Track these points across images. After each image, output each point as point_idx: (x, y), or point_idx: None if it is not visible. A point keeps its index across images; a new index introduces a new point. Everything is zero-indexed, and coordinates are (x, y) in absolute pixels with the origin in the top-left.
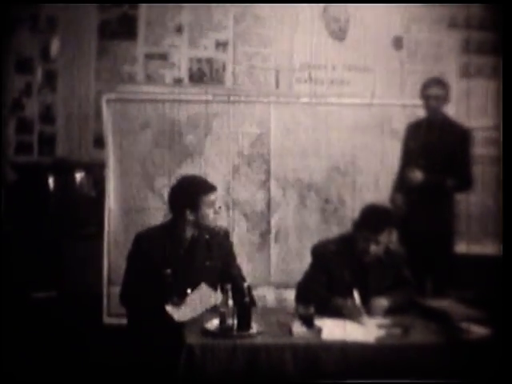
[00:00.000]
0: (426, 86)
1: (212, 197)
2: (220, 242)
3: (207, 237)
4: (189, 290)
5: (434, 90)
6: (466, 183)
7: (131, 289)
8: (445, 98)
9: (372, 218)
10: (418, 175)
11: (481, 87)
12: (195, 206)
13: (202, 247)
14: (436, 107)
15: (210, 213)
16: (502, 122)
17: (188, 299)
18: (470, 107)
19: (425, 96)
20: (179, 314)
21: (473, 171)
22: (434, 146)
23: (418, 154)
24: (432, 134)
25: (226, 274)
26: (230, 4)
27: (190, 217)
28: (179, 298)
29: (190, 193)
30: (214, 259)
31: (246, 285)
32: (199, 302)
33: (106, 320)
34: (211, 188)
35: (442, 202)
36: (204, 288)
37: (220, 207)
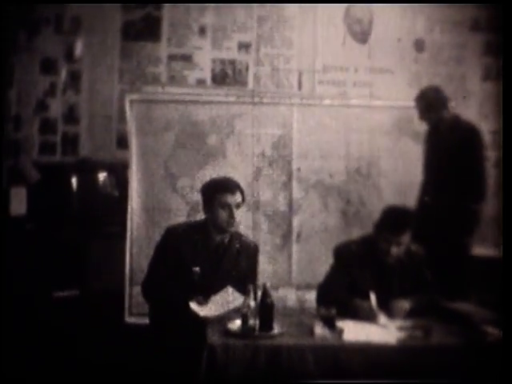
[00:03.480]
0: (415, 100)
1: (228, 198)
2: (249, 256)
3: (238, 246)
4: (212, 296)
5: (416, 106)
6: (477, 190)
7: (155, 280)
8: (436, 108)
9: (392, 219)
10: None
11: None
12: (208, 204)
13: (231, 255)
14: (424, 120)
15: (222, 214)
16: (503, 124)
17: (213, 299)
18: (491, 110)
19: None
20: (204, 310)
21: (485, 175)
22: (441, 152)
23: (430, 158)
24: (442, 139)
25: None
26: (253, 4)
27: (208, 215)
28: (204, 298)
29: (206, 191)
30: (240, 270)
31: (268, 284)
32: (224, 303)
33: (128, 319)
34: (226, 189)
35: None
36: (229, 290)
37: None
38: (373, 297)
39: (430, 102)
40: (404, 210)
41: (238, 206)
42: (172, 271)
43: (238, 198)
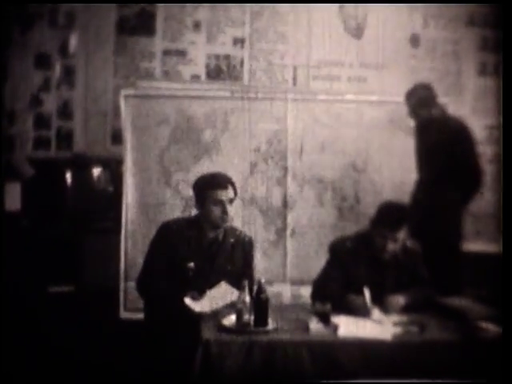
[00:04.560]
0: (405, 98)
1: (220, 194)
2: (244, 250)
3: (232, 240)
4: (207, 291)
5: (407, 102)
6: (472, 182)
7: (150, 276)
8: (425, 104)
9: (389, 216)
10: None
11: (498, 85)
12: (201, 201)
13: (226, 250)
14: (414, 116)
15: (215, 210)
16: (503, 120)
17: (207, 294)
18: (486, 105)
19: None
20: (198, 306)
21: (479, 167)
22: (433, 147)
23: (421, 155)
24: (431, 134)
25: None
26: (247, 3)
27: (200, 211)
28: (199, 293)
29: (197, 187)
30: (235, 265)
31: (262, 280)
32: (218, 298)
33: (123, 315)
34: (218, 185)
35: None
36: (224, 285)
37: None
38: (367, 292)
39: (420, 100)
40: (400, 205)
41: (230, 201)
42: (167, 267)
43: (230, 193)
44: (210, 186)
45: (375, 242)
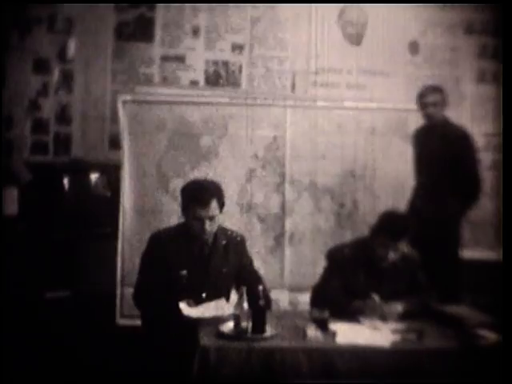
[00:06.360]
0: (422, 94)
1: (200, 212)
2: (236, 248)
3: (224, 242)
4: (204, 295)
5: (430, 98)
6: (472, 191)
7: (145, 289)
8: (442, 104)
9: (391, 226)
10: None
11: (497, 93)
12: (184, 211)
13: (218, 253)
14: (433, 114)
15: (195, 224)
16: (502, 127)
17: (204, 304)
18: (485, 112)
19: (422, 104)
20: (190, 311)
21: (479, 177)
22: (434, 154)
23: (421, 161)
24: (432, 141)
25: (241, 278)
26: (247, 5)
27: (185, 219)
28: (194, 301)
29: (182, 196)
30: (230, 266)
31: (260, 287)
32: (213, 310)
33: (119, 321)
34: (200, 201)
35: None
36: (222, 301)
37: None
38: (376, 297)
39: (441, 98)
40: (403, 215)
41: (211, 218)
42: (161, 278)
43: (211, 210)
44: (192, 200)
45: (376, 250)
